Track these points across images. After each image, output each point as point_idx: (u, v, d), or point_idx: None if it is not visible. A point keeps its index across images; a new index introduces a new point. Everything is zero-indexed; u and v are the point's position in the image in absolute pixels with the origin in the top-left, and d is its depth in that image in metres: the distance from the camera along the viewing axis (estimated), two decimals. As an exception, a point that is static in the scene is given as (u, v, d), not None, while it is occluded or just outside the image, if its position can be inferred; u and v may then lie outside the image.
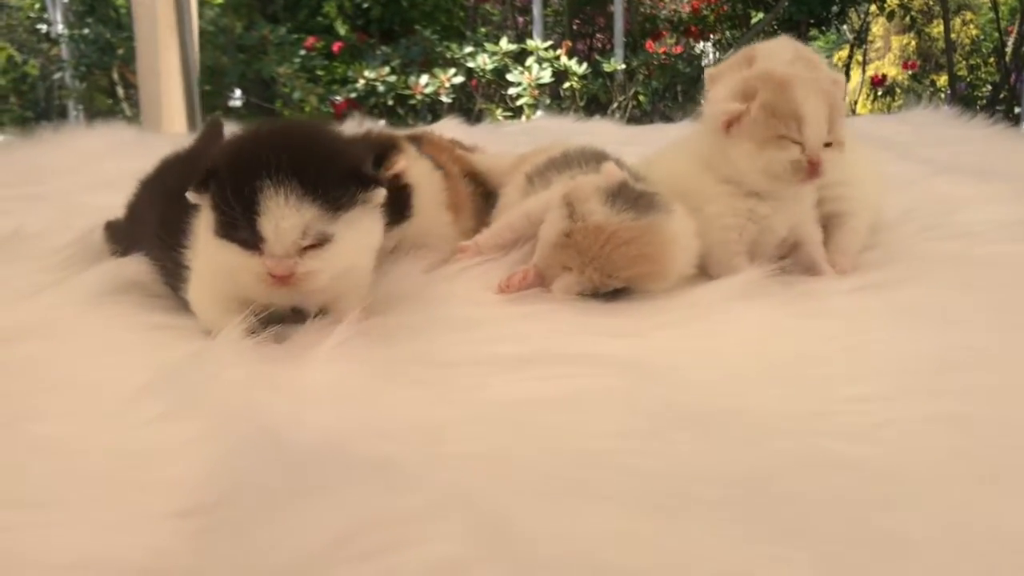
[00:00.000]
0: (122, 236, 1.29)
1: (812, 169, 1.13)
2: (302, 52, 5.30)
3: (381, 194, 0.95)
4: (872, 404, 0.81)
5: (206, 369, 0.85)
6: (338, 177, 0.91)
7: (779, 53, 1.32)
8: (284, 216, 0.88)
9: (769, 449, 0.72)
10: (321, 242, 0.91)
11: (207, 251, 0.97)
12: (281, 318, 1.00)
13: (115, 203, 1.43)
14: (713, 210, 1.18)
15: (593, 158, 1.24)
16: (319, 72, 5.47)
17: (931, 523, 0.61)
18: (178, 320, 1.06)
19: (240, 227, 0.89)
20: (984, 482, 0.67)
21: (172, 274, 1.07)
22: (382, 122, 5.08)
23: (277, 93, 5.50)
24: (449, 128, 2.73)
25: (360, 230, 0.94)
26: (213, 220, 0.92)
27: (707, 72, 1.34)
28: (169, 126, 3.66)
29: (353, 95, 5.26)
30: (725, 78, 1.26)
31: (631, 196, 1.08)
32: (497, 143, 2.49)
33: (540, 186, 1.24)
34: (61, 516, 0.63)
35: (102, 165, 2.15)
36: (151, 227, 1.12)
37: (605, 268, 1.07)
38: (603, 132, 2.65)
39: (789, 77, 1.16)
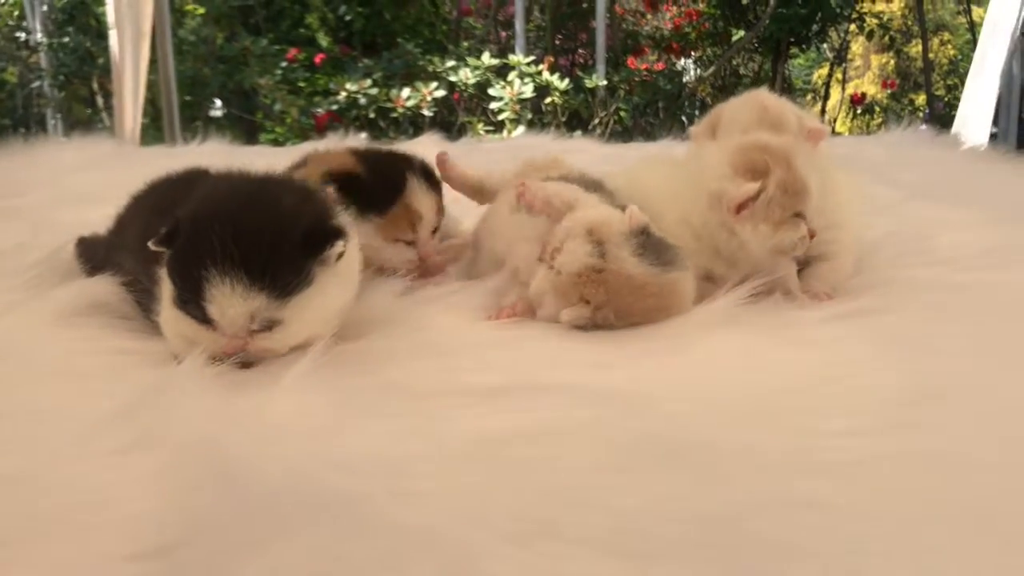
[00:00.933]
0: (98, 251, 1.27)
1: (810, 239, 1.14)
2: (283, 64, 5.28)
3: (339, 248, 0.94)
4: (849, 440, 0.79)
5: (168, 399, 0.83)
6: (287, 262, 0.91)
7: (745, 112, 1.31)
8: (231, 304, 0.89)
9: (744, 487, 0.70)
10: (270, 326, 0.92)
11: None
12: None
13: (87, 219, 1.41)
14: None
15: (592, 186, 1.23)
16: (300, 84, 5.46)
17: (905, 570, 0.60)
18: (143, 344, 1.04)
19: (192, 305, 0.90)
20: (960, 524, 0.66)
21: (145, 293, 1.05)
22: (363, 135, 5.07)
23: (258, 104, 5.48)
24: (431, 144, 2.72)
25: (318, 300, 0.94)
26: (170, 289, 0.93)
27: (692, 131, 1.33)
28: (137, 136, 3.63)
29: (334, 107, 5.25)
30: (705, 145, 1.25)
31: (658, 249, 1.09)
32: (477, 160, 2.49)
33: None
34: (11, 555, 0.61)
35: (77, 178, 2.12)
36: (132, 243, 1.10)
37: (622, 312, 1.07)
38: (584, 150, 2.65)
39: (790, 150, 1.15)
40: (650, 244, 1.09)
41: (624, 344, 1.04)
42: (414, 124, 5.49)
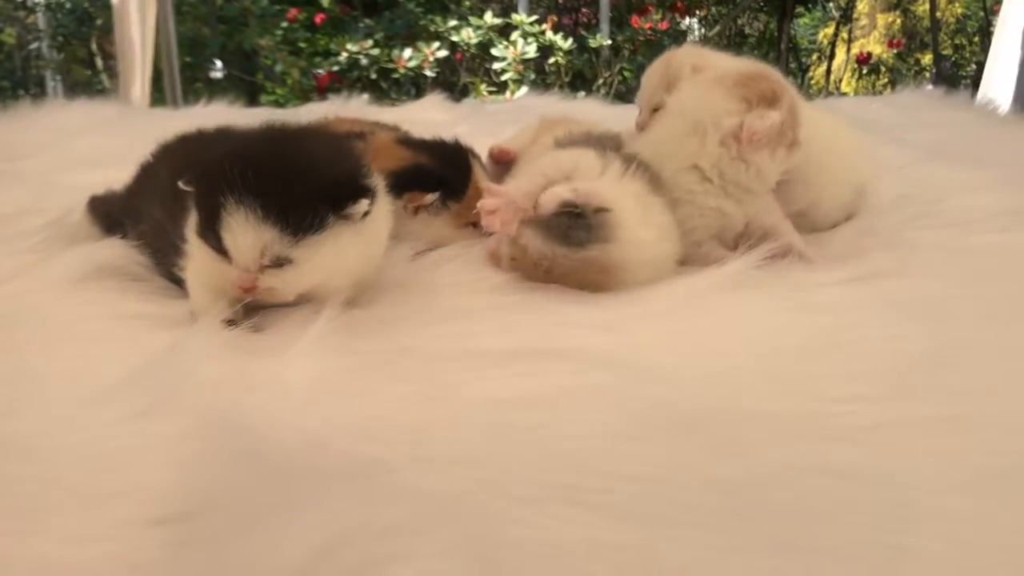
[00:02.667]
0: (113, 207, 1.26)
1: None
2: (284, 24, 5.22)
3: (363, 206, 0.94)
4: (865, 405, 0.79)
5: (182, 364, 0.83)
6: (304, 204, 0.92)
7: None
8: (242, 234, 0.90)
9: (760, 453, 0.70)
10: (280, 263, 0.92)
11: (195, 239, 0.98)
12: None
13: (93, 182, 1.40)
14: (686, 212, 1.17)
15: (613, 145, 1.22)
16: (301, 45, 5.40)
17: (932, 535, 0.60)
18: (156, 308, 1.04)
19: (210, 233, 0.92)
20: (982, 489, 0.65)
21: (166, 247, 1.05)
22: (365, 96, 5.02)
23: (258, 65, 5.43)
24: (433, 105, 2.70)
25: (332, 250, 0.94)
26: (195, 218, 0.95)
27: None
28: (148, 100, 3.59)
29: (336, 68, 5.20)
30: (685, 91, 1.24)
31: (572, 226, 1.06)
32: (481, 122, 2.47)
33: None
34: (28, 524, 0.61)
35: (80, 142, 2.10)
36: (160, 190, 1.10)
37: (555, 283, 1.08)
38: (589, 111, 2.62)
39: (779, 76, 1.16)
40: (563, 223, 1.06)
41: (633, 305, 1.03)
42: (416, 85, 5.44)
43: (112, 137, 2.07)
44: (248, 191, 0.90)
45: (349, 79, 5.26)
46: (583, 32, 5.83)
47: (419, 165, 1.26)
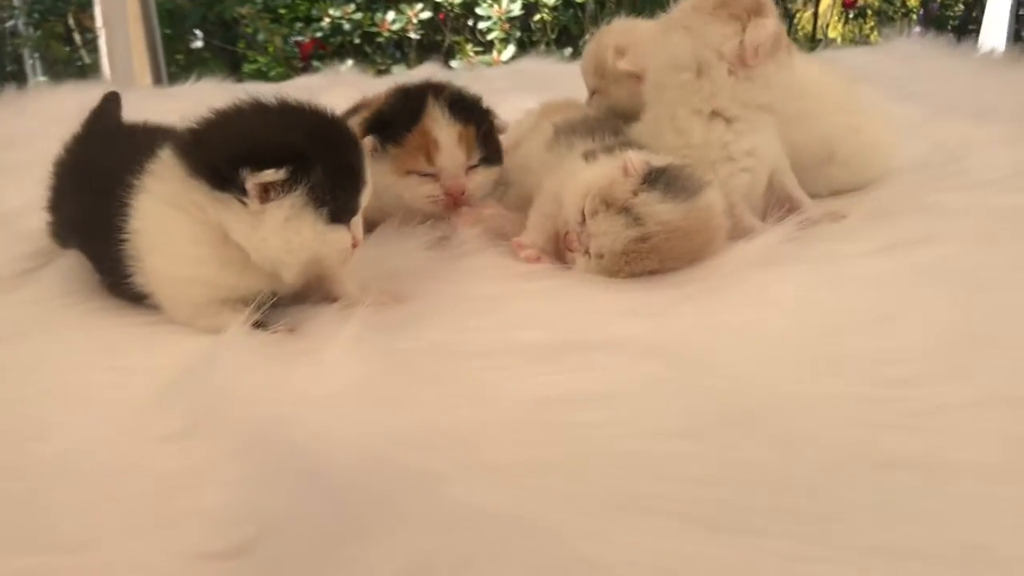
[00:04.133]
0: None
1: None
2: (265, -9, 5.12)
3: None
4: (918, 388, 0.76)
5: (218, 376, 0.80)
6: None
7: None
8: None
9: (822, 447, 0.68)
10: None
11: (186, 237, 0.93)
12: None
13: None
14: (725, 170, 1.14)
15: (611, 130, 1.18)
16: (281, 11, 5.30)
17: (1011, 527, 0.58)
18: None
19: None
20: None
21: (111, 270, 0.99)
22: (349, 62, 4.96)
23: (239, 34, 5.33)
24: (428, 75, 2.64)
25: None
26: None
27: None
28: (141, 78, 3.51)
29: (319, 35, 5.11)
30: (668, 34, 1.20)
31: (675, 178, 1.03)
32: (479, 90, 2.42)
33: (564, 146, 1.20)
34: (68, 558, 0.59)
35: (73, 129, 2.04)
36: (83, 216, 1.05)
37: (667, 261, 1.03)
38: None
39: None
40: (668, 179, 1.03)
41: (668, 288, 1.01)
42: (400, 48, 5.36)
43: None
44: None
45: (332, 45, 5.17)
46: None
47: (377, 111, 1.22)
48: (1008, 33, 3.40)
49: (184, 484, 0.66)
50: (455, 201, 1.20)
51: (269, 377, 0.80)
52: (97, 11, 3.84)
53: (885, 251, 1.08)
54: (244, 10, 4.95)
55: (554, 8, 5.24)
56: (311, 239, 0.90)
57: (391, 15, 5.12)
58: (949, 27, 6.04)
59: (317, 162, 0.88)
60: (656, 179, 1.03)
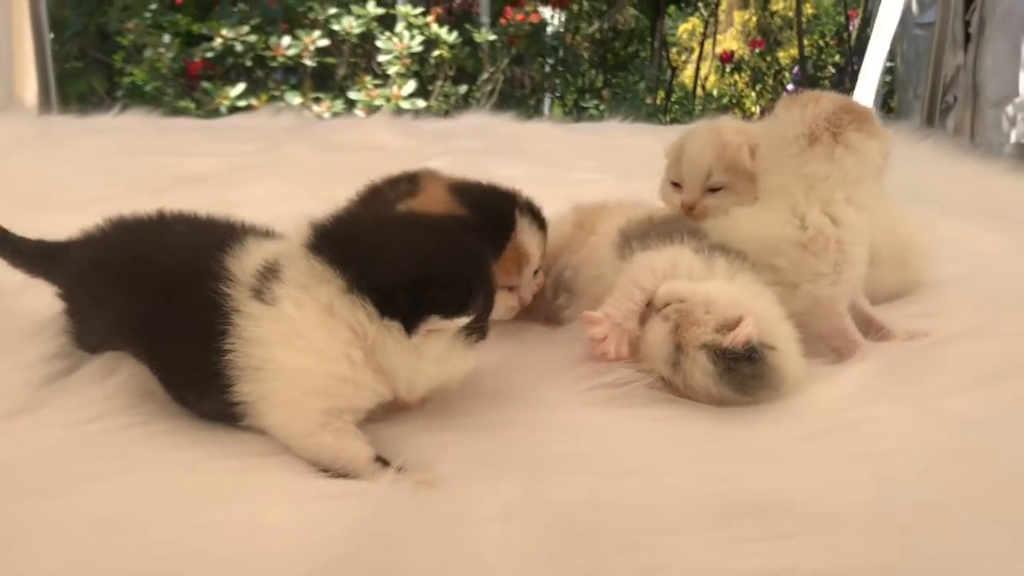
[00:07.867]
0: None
1: None
2: (153, 6, 4.84)
3: None
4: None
5: (391, 543, 0.68)
6: None
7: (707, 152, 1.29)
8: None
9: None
10: None
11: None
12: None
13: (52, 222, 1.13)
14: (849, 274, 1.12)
15: (688, 231, 1.13)
16: (164, 26, 5.03)
17: None
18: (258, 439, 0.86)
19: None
20: None
21: (198, 380, 0.86)
22: (241, 85, 4.76)
23: (118, 46, 5.00)
24: (382, 125, 2.53)
25: None
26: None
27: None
28: (25, 96, 3.18)
29: (210, 55, 4.88)
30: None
31: (739, 370, 0.98)
32: (426, 144, 2.33)
33: (638, 251, 1.11)
34: None
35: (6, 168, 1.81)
36: (143, 318, 0.91)
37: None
38: (543, 134, 2.51)
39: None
40: (751, 368, 0.97)
41: (785, 424, 0.96)
42: (295, 74, 5.19)
43: (44, 161, 1.79)
44: None
45: (223, 67, 4.95)
46: (467, 25, 5.69)
47: (457, 218, 1.13)
48: (921, 116, 3.57)
49: None
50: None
51: (432, 546, 0.69)
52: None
53: (977, 388, 1.05)
54: (132, 24, 4.67)
55: (452, 46, 5.20)
56: (460, 367, 0.88)
57: (287, 40, 4.96)
58: (822, 86, 6.33)
59: (480, 296, 0.83)
60: (732, 360, 0.96)
